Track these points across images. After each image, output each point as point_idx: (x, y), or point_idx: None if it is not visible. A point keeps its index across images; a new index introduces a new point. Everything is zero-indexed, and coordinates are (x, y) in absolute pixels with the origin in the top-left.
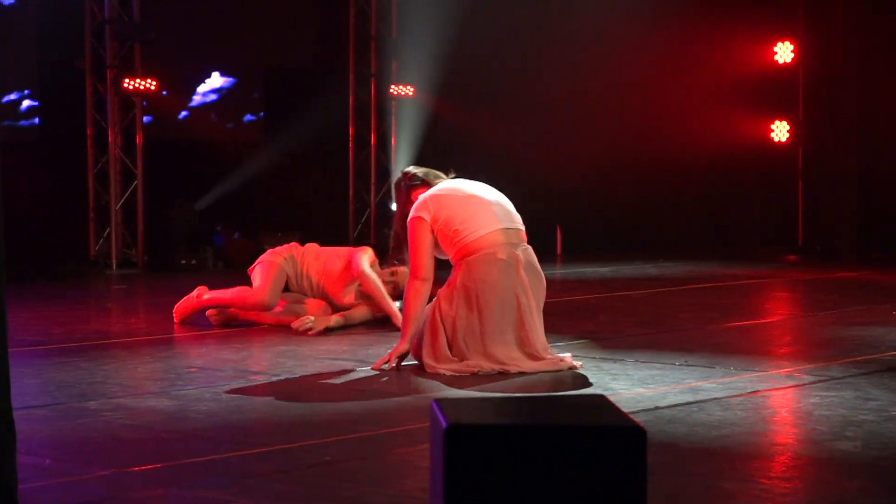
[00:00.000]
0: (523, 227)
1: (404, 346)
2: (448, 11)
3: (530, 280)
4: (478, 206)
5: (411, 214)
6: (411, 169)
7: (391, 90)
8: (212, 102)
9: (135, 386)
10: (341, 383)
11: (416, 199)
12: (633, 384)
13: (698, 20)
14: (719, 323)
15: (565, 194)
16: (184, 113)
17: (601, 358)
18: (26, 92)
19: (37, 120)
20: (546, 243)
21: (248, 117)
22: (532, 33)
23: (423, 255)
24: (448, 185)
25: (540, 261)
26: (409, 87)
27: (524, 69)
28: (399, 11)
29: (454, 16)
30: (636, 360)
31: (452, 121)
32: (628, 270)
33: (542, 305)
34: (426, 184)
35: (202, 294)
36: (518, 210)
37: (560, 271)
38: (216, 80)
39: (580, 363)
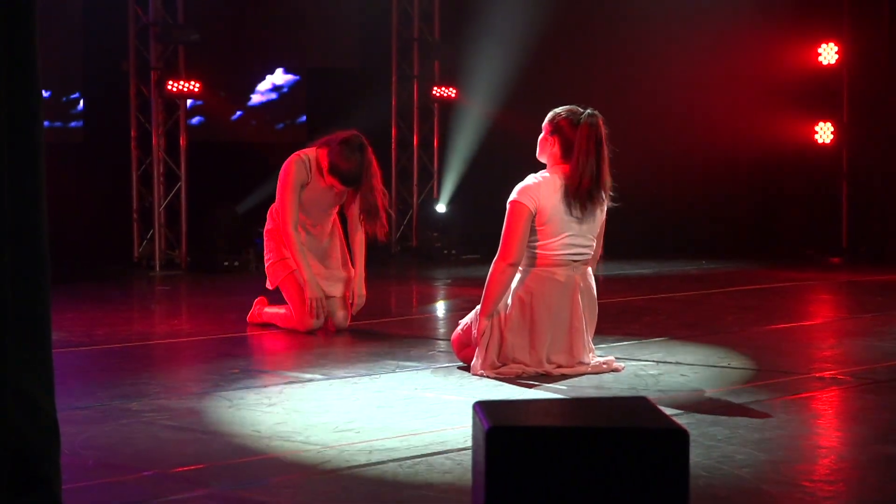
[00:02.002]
0: (593, 252)
1: (486, 324)
2: (490, 13)
3: (585, 305)
4: (568, 219)
5: (514, 196)
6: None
7: (434, 92)
8: (269, 102)
9: (177, 387)
10: (385, 384)
11: (551, 142)
12: (675, 386)
13: (740, 21)
14: (762, 325)
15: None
16: (238, 113)
17: (644, 360)
18: (73, 95)
19: (81, 122)
20: None
21: (299, 118)
22: (573, 35)
23: (518, 241)
24: (558, 182)
25: None
26: (451, 89)
27: (566, 70)
28: (442, 13)
29: (497, 17)
30: (678, 363)
31: (495, 122)
32: (672, 271)
33: (593, 329)
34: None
35: (262, 307)
36: None
37: (603, 272)
38: (279, 77)
39: (623, 366)
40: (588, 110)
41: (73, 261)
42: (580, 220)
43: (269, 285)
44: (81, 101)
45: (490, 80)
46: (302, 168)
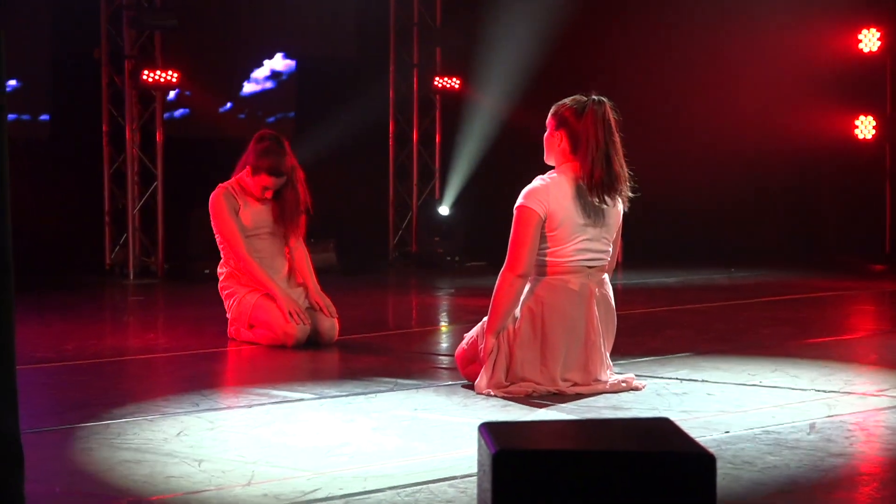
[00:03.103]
0: (610, 258)
1: (493, 342)
2: None
3: (601, 316)
4: (581, 222)
5: (521, 201)
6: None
7: (435, 82)
8: (265, 92)
9: (153, 408)
10: (381, 404)
11: (558, 138)
12: (702, 406)
13: (773, 6)
14: (798, 339)
15: (631, 199)
16: (227, 105)
17: (667, 378)
18: (36, 84)
19: (47, 116)
20: None
21: (280, 114)
22: (593, 20)
23: (527, 250)
24: (567, 182)
25: None
26: (455, 79)
27: (581, 61)
28: None
29: (504, 1)
30: (705, 381)
31: (503, 116)
32: (696, 280)
33: (610, 343)
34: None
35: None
36: None
37: (621, 281)
38: (278, 63)
39: (643, 384)
40: (594, 96)
41: (39, 269)
42: (594, 223)
43: (243, 334)
44: (47, 93)
45: (498, 68)
46: (229, 196)
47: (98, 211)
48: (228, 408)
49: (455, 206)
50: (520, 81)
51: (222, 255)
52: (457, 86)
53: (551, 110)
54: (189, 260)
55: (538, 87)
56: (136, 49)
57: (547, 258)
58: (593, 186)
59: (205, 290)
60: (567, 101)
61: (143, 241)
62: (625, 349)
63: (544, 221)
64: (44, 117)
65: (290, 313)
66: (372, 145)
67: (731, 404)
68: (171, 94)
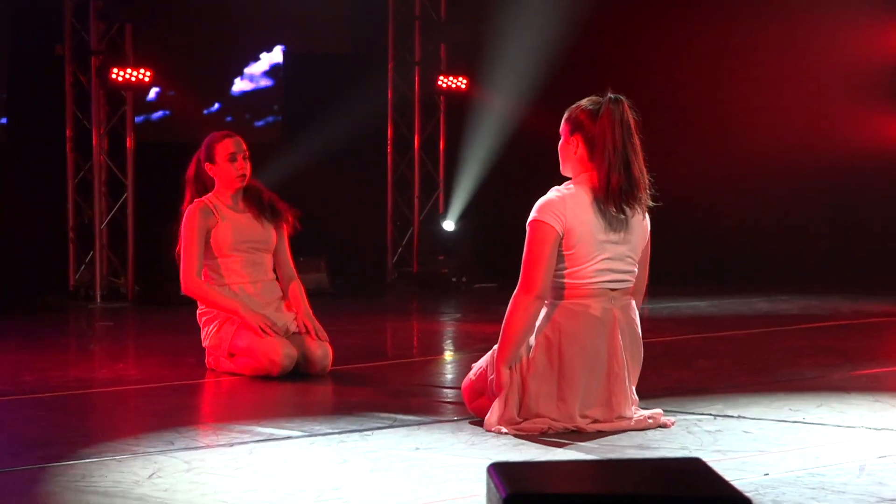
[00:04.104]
0: (637, 281)
1: (505, 373)
2: None
3: (626, 345)
4: (602, 238)
5: (534, 215)
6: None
7: (439, 82)
8: (259, 91)
9: (123, 446)
10: (379, 442)
11: (573, 145)
12: (738, 445)
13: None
14: (844, 371)
15: (654, 211)
16: (215, 106)
17: (699, 414)
18: None
19: (4, 119)
20: None
21: (272, 118)
22: (615, 14)
23: (543, 270)
24: (586, 194)
25: None
26: (461, 79)
27: (602, 58)
28: None
29: None
30: (741, 416)
31: (515, 120)
32: (731, 305)
33: (636, 376)
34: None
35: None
36: None
37: (647, 305)
38: (277, 56)
39: (672, 420)
40: (610, 95)
41: None
42: (618, 240)
43: (224, 364)
44: (3, 93)
45: (510, 66)
46: (206, 212)
47: (61, 226)
48: (207, 447)
49: (461, 220)
50: (534, 81)
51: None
52: (463, 86)
53: (565, 115)
54: (163, 281)
55: (554, 88)
56: (105, 44)
57: (565, 280)
58: (610, 195)
59: (180, 316)
60: (583, 102)
61: (111, 260)
62: (651, 382)
63: (561, 238)
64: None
65: (260, 328)
66: (368, 152)
67: (770, 443)
68: (152, 93)
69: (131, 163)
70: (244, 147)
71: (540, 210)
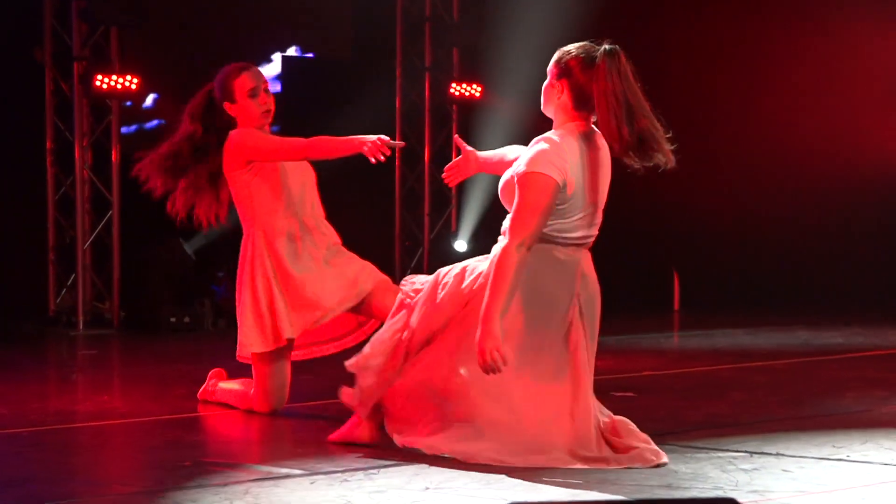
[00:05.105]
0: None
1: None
2: None
3: (586, 321)
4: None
5: (533, 167)
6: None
7: (451, 89)
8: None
9: (107, 484)
10: (385, 480)
11: (559, 89)
12: (776, 485)
13: (852, 6)
14: (892, 404)
15: (686, 233)
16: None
17: (733, 451)
18: None
19: None
20: (660, 295)
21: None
22: (638, 18)
23: (540, 218)
24: (575, 142)
25: (651, 314)
26: (475, 86)
27: (634, 61)
28: None
29: None
30: (779, 454)
31: (532, 130)
32: (769, 333)
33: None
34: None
35: (217, 381)
36: (626, 251)
37: (679, 333)
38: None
39: (663, 457)
40: (605, 46)
41: None
42: (597, 190)
43: (217, 395)
44: None
45: (526, 73)
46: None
47: (40, 246)
48: (198, 486)
49: (474, 239)
50: None
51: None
52: (477, 93)
53: (555, 56)
54: (151, 306)
55: None
56: (88, 49)
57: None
58: (627, 148)
59: (169, 343)
60: (572, 48)
61: (95, 283)
62: (682, 415)
63: (563, 190)
64: None
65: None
66: (374, 165)
67: (811, 483)
68: (149, 100)
69: (117, 177)
70: (264, 79)
71: (537, 161)
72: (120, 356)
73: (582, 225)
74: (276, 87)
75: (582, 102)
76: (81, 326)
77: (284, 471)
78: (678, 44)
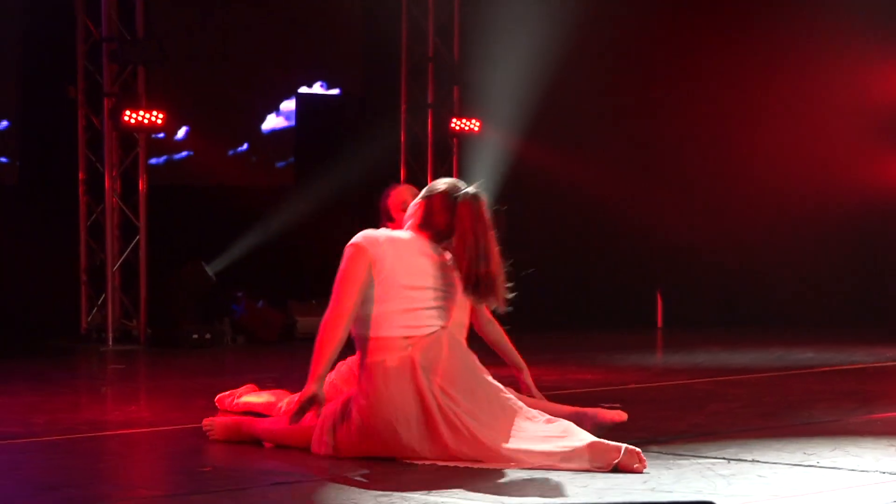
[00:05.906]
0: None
1: (313, 388)
2: (523, 29)
3: (457, 362)
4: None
5: (353, 240)
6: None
7: (452, 124)
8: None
9: (133, 488)
10: (396, 484)
11: (416, 206)
12: (752, 490)
13: (835, 35)
14: (859, 415)
15: (669, 256)
16: (244, 146)
17: (712, 458)
18: (4, 124)
19: (18, 160)
20: (643, 313)
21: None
22: (628, 58)
23: (354, 290)
24: (404, 238)
25: (635, 332)
26: (474, 121)
27: (619, 101)
28: (463, 27)
29: (531, 34)
30: (755, 461)
31: (530, 164)
32: (745, 349)
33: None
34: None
35: (246, 393)
36: (612, 272)
37: (662, 349)
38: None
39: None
40: (469, 189)
41: (6, 333)
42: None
43: (234, 404)
44: (17, 134)
45: (523, 109)
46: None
47: (73, 268)
48: (221, 490)
49: None
50: (548, 124)
51: None
52: (476, 128)
53: (427, 187)
54: (174, 324)
55: (569, 131)
56: (117, 86)
57: (371, 332)
58: (467, 285)
59: (191, 358)
60: (441, 184)
61: (123, 302)
62: (664, 425)
63: (382, 269)
64: (5, 160)
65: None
66: (380, 195)
67: (784, 487)
68: (181, 132)
69: (143, 205)
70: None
71: (357, 238)
72: (146, 370)
73: (416, 318)
74: (291, 122)
75: (427, 225)
76: (111, 342)
77: (298, 475)
78: (661, 74)
